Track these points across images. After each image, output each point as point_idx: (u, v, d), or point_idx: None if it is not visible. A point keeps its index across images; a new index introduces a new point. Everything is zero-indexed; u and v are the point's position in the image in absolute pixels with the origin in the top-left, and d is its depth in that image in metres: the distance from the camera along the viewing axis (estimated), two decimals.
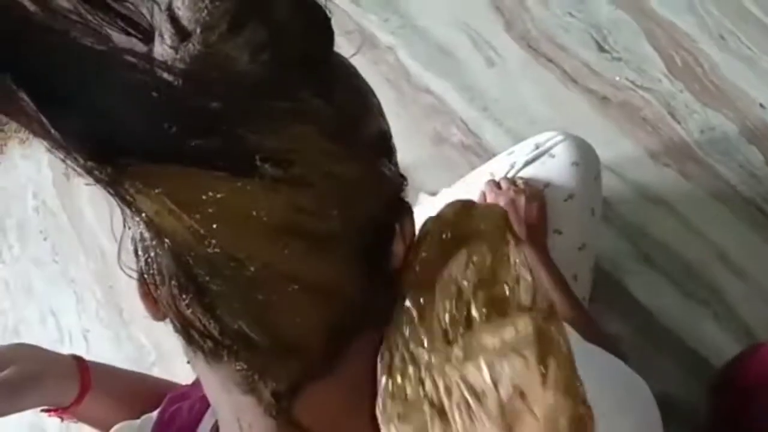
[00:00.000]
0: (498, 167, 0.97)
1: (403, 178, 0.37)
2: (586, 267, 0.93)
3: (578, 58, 1.33)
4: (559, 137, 0.95)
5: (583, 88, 1.30)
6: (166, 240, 0.28)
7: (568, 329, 0.49)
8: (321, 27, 0.32)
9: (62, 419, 0.70)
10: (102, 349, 1.26)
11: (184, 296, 0.30)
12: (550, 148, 0.94)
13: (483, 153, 1.28)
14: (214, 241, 0.27)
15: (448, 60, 1.40)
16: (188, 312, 0.30)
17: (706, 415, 0.97)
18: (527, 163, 0.94)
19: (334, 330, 0.32)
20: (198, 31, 0.28)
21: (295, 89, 0.30)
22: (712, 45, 1.28)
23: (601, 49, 1.33)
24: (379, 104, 0.38)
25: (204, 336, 0.31)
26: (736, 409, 0.90)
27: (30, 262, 1.35)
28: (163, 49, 0.29)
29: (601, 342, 0.58)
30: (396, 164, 0.37)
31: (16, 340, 1.29)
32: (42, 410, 0.67)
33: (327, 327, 0.32)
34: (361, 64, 1.29)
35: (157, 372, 1.21)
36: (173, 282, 0.30)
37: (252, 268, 0.28)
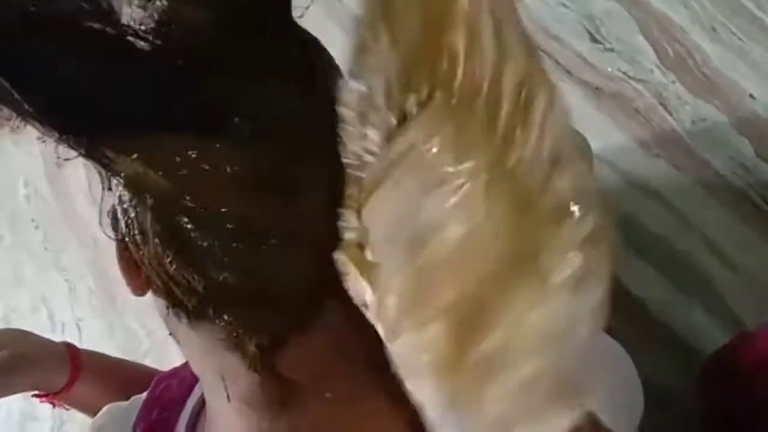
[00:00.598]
0: None
1: None
2: None
3: (571, 48, 1.33)
4: None
5: (576, 79, 1.30)
6: (148, 198, 0.29)
7: None
8: None
9: (53, 405, 0.71)
10: (94, 337, 1.26)
11: (167, 253, 0.31)
12: None
13: None
14: (193, 200, 0.28)
15: None
16: (172, 269, 0.31)
17: (696, 404, 0.98)
18: None
19: (317, 280, 0.33)
20: None
21: (257, 41, 0.30)
22: (704, 36, 1.28)
23: (594, 40, 1.33)
24: (336, 66, 0.38)
25: (188, 292, 0.31)
26: (725, 397, 0.91)
27: (22, 251, 1.35)
28: (132, 9, 0.30)
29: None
30: None
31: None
32: (33, 395, 0.68)
33: (309, 277, 0.33)
34: None
35: (149, 361, 1.21)
36: (156, 240, 0.31)
37: (232, 224, 0.29)
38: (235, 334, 0.33)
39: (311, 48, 0.36)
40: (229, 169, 0.29)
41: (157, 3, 0.29)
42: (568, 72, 1.31)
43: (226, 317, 0.32)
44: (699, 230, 1.14)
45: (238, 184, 0.29)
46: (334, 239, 0.33)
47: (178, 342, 0.38)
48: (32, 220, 1.36)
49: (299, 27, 0.36)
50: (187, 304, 0.32)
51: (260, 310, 0.32)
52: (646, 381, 1.03)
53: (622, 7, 1.34)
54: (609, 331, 1.09)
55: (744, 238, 1.13)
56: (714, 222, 1.14)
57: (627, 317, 1.10)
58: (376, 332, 0.40)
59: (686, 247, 1.13)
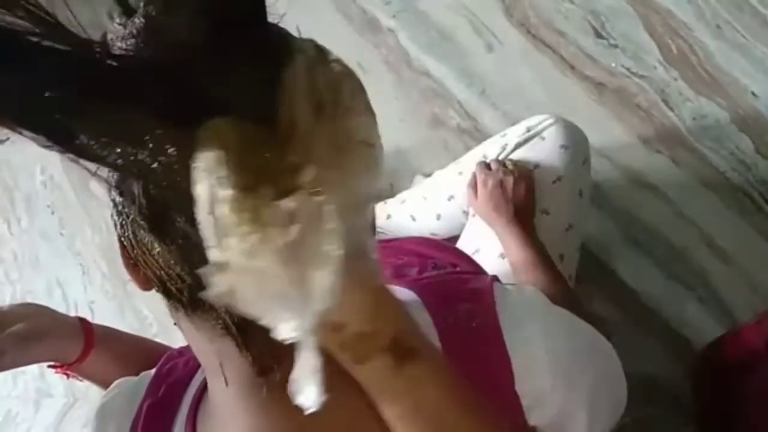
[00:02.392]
0: (490, 149, 1.00)
1: None
2: (573, 247, 0.96)
3: (576, 44, 1.35)
4: (550, 121, 0.97)
5: (579, 74, 1.32)
6: (135, 198, 0.31)
7: (532, 289, 0.53)
8: None
9: (67, 376, 0.74)
10: (106, 320, 1.30)
11: (157, 251, 0.33)
12: (541, 131, 0.97)
13: (480, 136, 1.31)
14: (175, 194, 0.30)
15: (448, 44, 1.42)
16: (164, 269, 0.33)
17: (690, 396, 1.00)
18: (518, 146, 0.97)
19: None
20: (141, 5, 0.31)
21: (233, 50, 0.31)
22: (707, 34, 1.29)
23: (599, 35, 1.35)
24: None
25: (181, 288, 0.34)
26: (717, 389, 0.93)
27: (37, 235, 1.39)
28: (114, 27, 0.32)
29: (581, 316, 0.61)
30: None
31: None
32: (48, 366, 0.71)
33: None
34: (363, 47, 1.34)
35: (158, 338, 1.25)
36: (144, 240, 0.33)
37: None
38: (227, 322, 0.35)
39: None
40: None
41: (136, 21, 0.30)
42: (572, 67, 1.33)
43: (218, 308, 0.34)
44: (696, 225, 1.16)
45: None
46: None
47: (181, 329, 0.40)
48: (48, 206, 1.40)
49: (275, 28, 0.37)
50: (182, 297, 0.35)
51: None
52: (639, 371, 1.06)
53: (626, 3, 1.35)
54: (604, 321, 1.12)
55: (741, 234, 1.15)
56: (711, 217, 1.16)
57: (622, 308, 1.13)
58: None
59: (683, 241, 1.15)
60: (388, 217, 1.14)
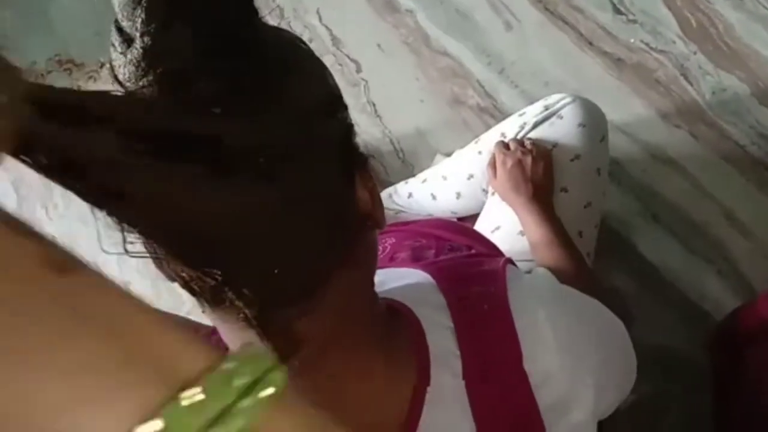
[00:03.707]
0: (509, 128, 1.02)
1: (350, 129, 0.42)
2: (591, 224, 0.98)
3: (594, 20, 1.35)
4: (568, 99, 0.98)
5: (598, 50, 1.33)
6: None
7: (543, 271, 0.56)
8: (240, 5, 0.35)
9: None
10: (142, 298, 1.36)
11: (177, 263, 0.35)
12: (559, 109, 0.98)
13: (499, 115, 1.33)
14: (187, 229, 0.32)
15: (467, 23, 1.43)
16: (186, 271, 0.35)
17: (708, 367, 1.02)
18: (536, 124, 0.98)
19: (316, 271, 0.38)
20: (137, 35, 0.33)
21: (224, 69, 0.33)
22: (727, 5, 1.29)
23: (617, 11, 1.35)
24: (317, 66, 0.41)
25: (202, 286, 0.36)
26: (734, 359, 0.95)
27: (75, 220, 1.45)
28: (115, 56, 0.34)
29: (598, 293, 0.64)
30: (343, 119, 0.41)
31: None
32: None
33: (309, 270, 0.38)
34: (383, 28, 1.37)
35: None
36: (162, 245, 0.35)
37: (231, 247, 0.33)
38: (248, 316, 0.38)
39: (285, 63, 0.38)
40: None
41: (134, 50, 0.32)
42: (590, 43, 1.33)
43: (239, 303, 0.36)
44: (716, 199, 1.17)
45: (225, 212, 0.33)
46: (329, 234, 0.38)
47: (208, 317, 0.43)
48: None
49: (281, 43, 0.39)
50: (204, 295, 0.37)
51: (267, 300, 0.37)
52: (658, 344, 1.08)
53: None
54: (623, 295, 1.14)
55: (760, 207, 1.16)
56: (731, 191, 1.17)
57: (642, 283, 1.15)
58: (377, 303, 0.46)
59: (702, 215, 1.16)
60: (410, 195, 1.17)
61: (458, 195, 1.07)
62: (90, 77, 1.60)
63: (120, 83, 0.34)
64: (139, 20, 0.32)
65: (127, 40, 0.33)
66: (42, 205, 1.48)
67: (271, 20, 1.26)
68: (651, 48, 1.30)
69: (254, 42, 0.35)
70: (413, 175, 1.21)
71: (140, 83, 0.33)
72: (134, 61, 0.33)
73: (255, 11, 0.36)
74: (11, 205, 1.48)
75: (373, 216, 0.42)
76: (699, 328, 1.10)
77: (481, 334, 0.47)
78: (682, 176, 1.20)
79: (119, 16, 0.34)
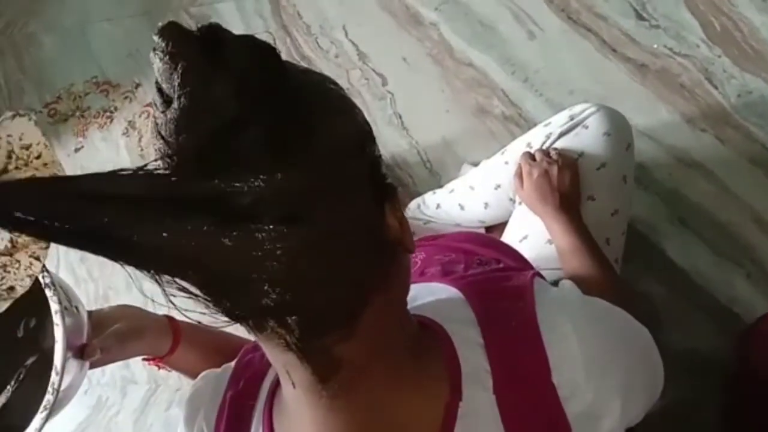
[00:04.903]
0: (535, 138, 1.03)
1: (379, 161, 0.44)
2: (619, 231, 1.00)
3: (617, 27, 1.36)
4: (593, 109, 1.00)
5: (621, 57, 1.34)
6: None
7: (569, 284, 0.58)
8: (271, 61, 0.38)
9: (159, 367, 0.83)
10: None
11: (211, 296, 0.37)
12: (584, 119, 1.00)
13: (524, 123, 1.35)
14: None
15: (490, 34, 1.45)
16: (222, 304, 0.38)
17: (735, 369, 1.03)
18: (562, 134, 1.00)
19: (352, 299, 0.41)
20: (175, 96, 0.35)
21: (259, 122, 0.36)
22: (752, 8, 1.29)
23: (640, 17, 1.36)
24: (346, 105, 0.43)
25: (243, 318, 0.39)
26: (761, 362, 0.96)
27: None
28: (157, 115, 0.37)
29: (626, 299, 0.65)
30: (372, 153, 0.44)
31: (106, 305, 1.46)
32: (143, 359, 0.80)
33: (346, 298, 0.41)
34: (407, 41, 1.41)
35: (232, 329, 1.35)
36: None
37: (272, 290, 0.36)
38: (288, 341, 0.40)
39: (313, 106, 0.40)
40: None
41: (173, 110, 0.35)
42: (614, 50, 1.35)
43: (280, 330, 0.39)
44: (743, 202, 1.17)
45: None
46: (363, 263, 0.41)
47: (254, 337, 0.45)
48: None
49: (312, 89, 0.41)
50: (247, 323, 0.40)
51: (306, 326, 0.39)
52: (689, 348, 1.09)
53: None
54: (652, 300, 1.15)
55: None
56: (758, 193, 1.17)
57: (671, 287, 1.15)
58: (410, 321, 0.49)
59: (730, 218, 1.17)
60: (438, 206, 1.20)
61: (486, 205, 1.09)
62: (126, 97, 1.66)
63: (163, 138, 0.37)
64: (176, 83, 0.35)
65: (167, 101, 0.36)
66: None
67: (299, 37, 1.31)
68: (675, 53, 1.31)
69: (285, 92, 0.38)
70: (441, 185, 1.23)
71: (180, 139, 0.36)
72: (173, 120, 0.36)
73: (280, 61, 0.39)
74: None
75: (403, 242, 0.44)
76: (729, 331, 1.10)
77: (510, 350, 0.49)
78: (709, 180, 1.21)
79: (159, 79, 0.37)
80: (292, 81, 0.39)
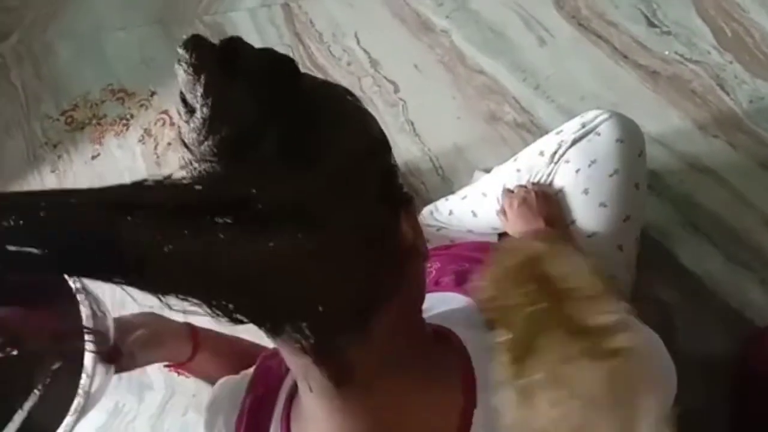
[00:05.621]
0: (547, 146, 1.04)
1: (394, 170, 0.45)
2: (631, 238, 1.00)
3: (628, 33, 1.37)
4: (605, 115, 1.00)
5: (633, 64, 1.35)
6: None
7: None
8: (289, 71, 0.40)
9: (178, 373, 0.85)
10: (204, 321, 1.42)
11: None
12: (596, 126, 1.00)
13: (536, 130, 1.36)
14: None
15: (501, 41, 1.47)
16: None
17: (742, 366, 1.03)
18: (575, 142, 1.01)
19: (367, 304, 0.42)
20: (198, 106, 0.37)
21: (277, 130, 0.37)
22: (763, 14, 1.29)
23: (651, 23, 1.36)
24: (362, 116, 0.45)
25: (261, 323, 0.40)
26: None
27: None
28: (181, 124, 0.39)
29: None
30: (387, 163, 0.45)
31: (122, 312, 1.48)
32: (164, 365, 0.82)
33: (361, 303, 0.42)
34: (419, 48, 1.43)
35: (248, 337, 1.36)
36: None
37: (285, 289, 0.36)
38: (305, 346, 0.40)
39: (326, 113, 0.41)
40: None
41: (196, 119, 0.37)
42: (625, 57, 1.35)
43: (295, 334, 0.39)
44: (756, 207, 1.17)
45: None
46: (377, 269, 0.42)
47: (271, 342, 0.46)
48: None
49: (326, 97, 0.42)
50: (265, 326, 0.40)
51: (321, 333, 0.40)
52: (703, 353, 1.09)
53: None
54: (666, 307, 1.15)
55: None
56: None
57: (684, 293, 1.16)
58: (425, 329, 0.50)
59: (743, 224, 1.17)
60: (450, 212, 1.21)
61: (499, 210, 1.11)
62: (141, 105, 1.69)
63: (186, 146, 0.38)
64: (199, 94, 0.37)
65: (190, 111, 0.38)
66: None
67: (312, 45, 1.32)
68: (686, 59, 1.31)
69: (303, 101, 0.40)
70: (453, 192, 1.24)
71: (202, 147, 0.37)
72: (196, 129, 0.37)
73: (297, 71, 0.40)
74: None
75: (416, 248, 0.45)
76: (743, 337, 1.10)
77: None
78: (721, 185, 1.21)
79: (183, 89, 0.38)
80: (309, 91, 0.41)
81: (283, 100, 0.38)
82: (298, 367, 0.45)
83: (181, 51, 0.37)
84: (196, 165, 0.38)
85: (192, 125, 0.38)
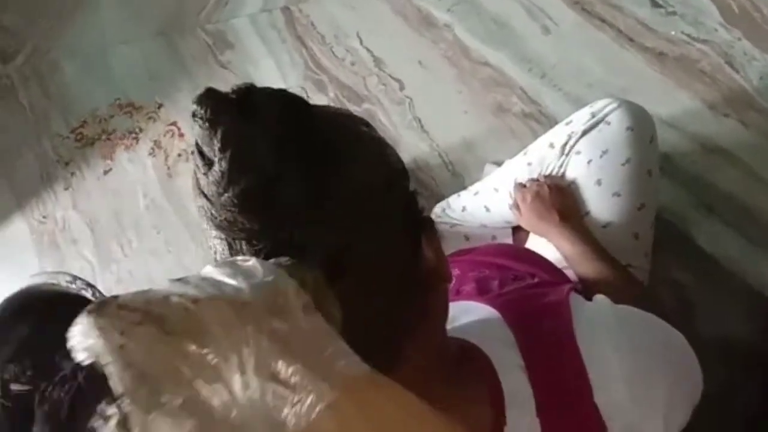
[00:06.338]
0: (557, 137, 1.04)
1: (413, 197, 0.45)
2: (647, 225, 1.00)
3: (633, 16, 1.36)
4: (614, 104, 1.00)
5: (639, 46, 1.33)
6: None
7: (603, 299, 0.58)
8: (303, 114, 0.40)
9: None
10: None
11: None
12: (606, 115, 1.00)
13: (544, 119, 1.35)
14: None
15: (504, 31, 1.46)
16: None
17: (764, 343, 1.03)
18: (585, 132, 1.00)
19: (391, 333, 0.42)
20: (216, 160, 0.38)
21: (296, 177, 0.38)
22: None
23: (655, 4, 1.35)
24: (377, 146, 0.44)
25: None
26: None
27: (148, 254, 1.54)
28: (199, 176, 0.39)
29: (644, 301, 0.66)
30: (405, 190, 0.45)
31: None
32: None
33: (385, 334, 0.42)
34: (422, 44, 1.44)
35: None
36: None
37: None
38: None
39: (340, 148, 0.41)
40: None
41: (215, 172, 0.38)
42: (631, 40, 1.34)
43: None
44: None
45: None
46: (404, 292, 0.42)
47: None
48: (153, 227, 1.55)
49: (339, 130, 0.42)
50: None
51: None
52: (722, 335, 1.09)
53: None
54: (684, 290, 1.15)
55: None
56: None
57: (701, 275, 1.15)
58: (450, 347, 0.49)
59: (757, 203, 1.16)
60: (463, 209, 1.21)
61: (511, 206, 1.10)
62: (150, 118, 1.70)
63: (206, 198, 0.39)
64: (216, 147, 0.37)
65: (208, 164, 0.38)
66: (117, 243, 1.58)
67: (314, 47, 1.32)
68: (693, 39, 1.30)
69: (318, 143, 0.39)
70: (464, 186, 1.24)
71: (222, 198, 0.38)
72: (215, 182, 0.38)
73: (311, 114, 0.40)
74: (89, 244, 1.59)
75: (439, 272, 0.45)
76: (763, 316, 1.10)
77: (551, 371, 0.49)
78: (734, 165, 1.20)
79: (199, 142, 0.39)
80: (324, 129, 0.41)
81: (298, 144, 0.38)
82: None
83: (195, 106, 0.38)
84: (215, 214, 0.38)
85: (211, 178, 0.38)
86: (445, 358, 0.48)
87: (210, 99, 0.38)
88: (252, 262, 0.34)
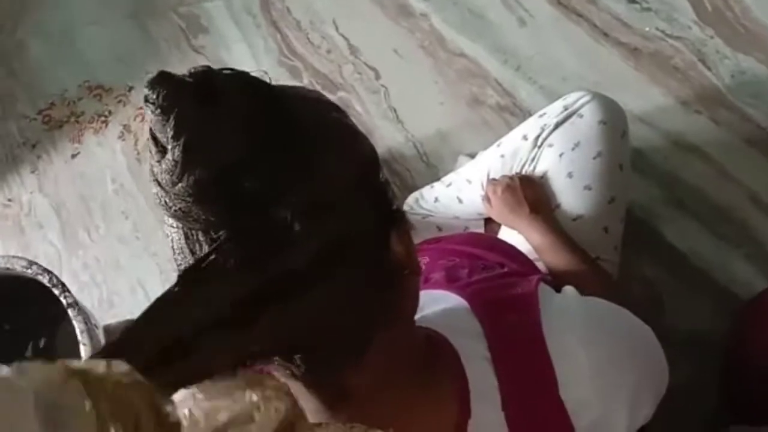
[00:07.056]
0: (530, 130, 1.04)
1: (386, 188, 0.43)
2: (617, 219, 1.00)
3: (608, 11, 1.36)
4: (587, 97, 1.00)
5: (614, 41, 1.34)
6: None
7: (571, 291, 0.58)
8: (265, 98, 0.37)
9: None
10: None
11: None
12: (578, 108, 1.00)
13: (519, 112, 1.35)
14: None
15: (481, 22, 1.45)
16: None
17: (731, 339, 1.04)
18: (557, 125, 1.00)
19: (359, 330, 0.41)
20: (169, 146, 0.35)
21: (259, 168, 0.36)
22: None
23: (631, 0, 1.35)
24: (349, 136, 0.42)
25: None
26: (759, 338, 0.97)
27: (115, 240, 1.51)
28: (153, 163, 0.37)
29: (612, 293, 0.66)
30: (377, 182, 0.43)
31: (110, 311, 1.47)
32: None
33: (352, 330, 0.41)
34: (398, 33, 1.42)
35: None
36: None
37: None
38: (294, 372, 0.40)
39: (315, 140, 0.39)
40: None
41: (168, 161, 0.35)
42: (605, 34, 1.34)
43: (286, 363, 0.39)
44: (740, 182, 1.18)
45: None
46: (370, 292, 0.41)
47: None
48: (122, 212, 1.51)
49: (316, 121, 0.40)
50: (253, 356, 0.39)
51: (318, 358, 0.40)
52: (691, 329, 1.10)
53: None
54: (652, 284, 1.16)
55: None
56: (755, 173, 1.18)
57: (671, 270, 1.16)
58: (418, 339, 0.49)
59: (728, 200, 1.17)
60: (436, 200, 1.20)
61: (483, 198, 1.10)
62: (119, 101, 1.66)
63: (161, 186, 0.37)
64: (170, 135, 0.35)
65: (161, 150, 0.36)
66: (84, 228, 1.55)
67: (290, 33, 1.30)
68: (667, 35, 1.30)
69: (283, 131, 0.37)
70: (438, 177, 1.24)
71: (176, 188, 0.35)
72: (168, 170, 0.36)
73: (274, 98, 0.38)
74: (55, 229, 1.55)
75: (409, 266, 0.44)
76: (730, 312, 1.11)
77: (517, 364, 0.49)
78: (705, 162, 1.21)
79: (152, 128, 0.36)
80: (290, 115, 0.38)
81: (261, 132, 0.36)
82: (295, 390, 0.44)
83: (147, 90, 0.36)
84: (170, 203, 0.36)
85: (164, 166, 0.36)
86: (413, 352, 0.47)
87: (163, 83, 0.35)
88: None
